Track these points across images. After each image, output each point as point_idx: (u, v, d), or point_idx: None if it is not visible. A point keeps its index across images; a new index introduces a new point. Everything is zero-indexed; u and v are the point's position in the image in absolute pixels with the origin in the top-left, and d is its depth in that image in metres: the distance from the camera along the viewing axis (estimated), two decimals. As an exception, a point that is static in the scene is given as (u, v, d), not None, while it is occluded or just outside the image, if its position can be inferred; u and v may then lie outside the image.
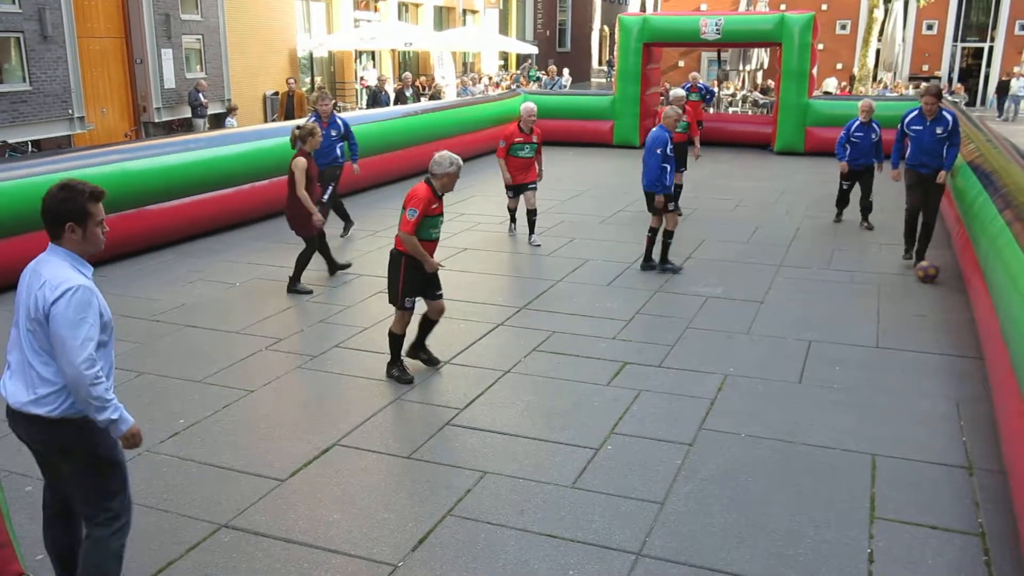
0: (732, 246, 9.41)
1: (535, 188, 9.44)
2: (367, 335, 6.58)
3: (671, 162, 8.25)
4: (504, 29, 34.51)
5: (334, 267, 8.22)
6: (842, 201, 10.44)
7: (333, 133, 9.22)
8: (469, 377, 5.80)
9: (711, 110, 18.94)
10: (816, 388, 5.60)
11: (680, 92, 11.81)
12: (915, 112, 8.16)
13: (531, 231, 9.46)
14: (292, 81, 18.46)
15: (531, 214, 9.43)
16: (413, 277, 5.65)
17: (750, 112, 22.77)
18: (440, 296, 5.86)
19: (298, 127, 7.63)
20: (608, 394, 5.49)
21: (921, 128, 8.05)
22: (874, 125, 9.75)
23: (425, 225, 5.58)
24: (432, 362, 5.96)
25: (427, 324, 5.93)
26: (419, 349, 5.96)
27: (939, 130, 7.95)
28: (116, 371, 5.74)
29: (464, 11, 31.60)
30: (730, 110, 23.04)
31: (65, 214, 2.96)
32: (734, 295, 7.62)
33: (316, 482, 4.41)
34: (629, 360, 6.06)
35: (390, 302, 5.80)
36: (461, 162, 5.79)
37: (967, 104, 24.16)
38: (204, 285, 7.96)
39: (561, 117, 17.12)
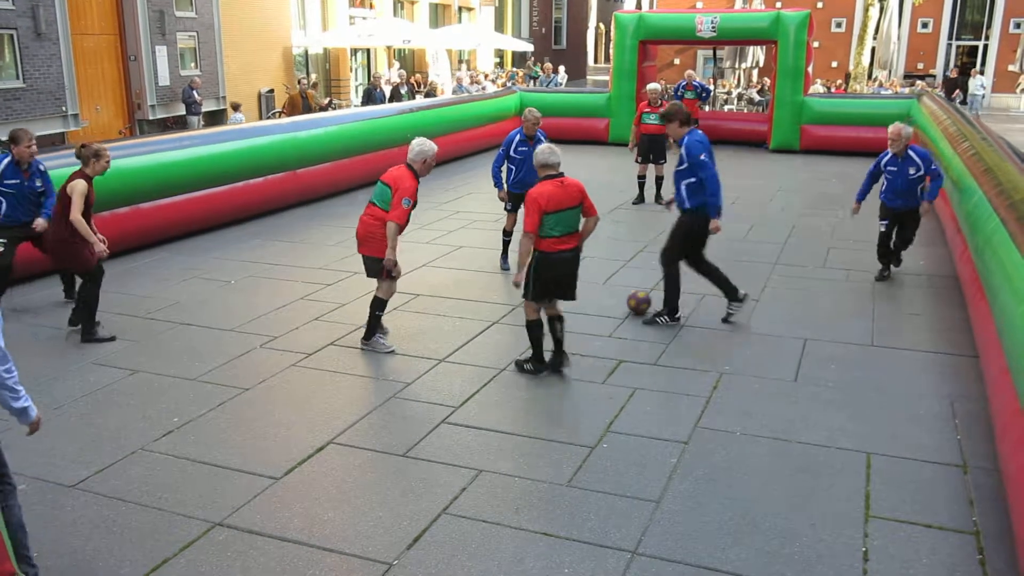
0: (727, 244, 9.41)
1: None
2: (361, 333, 6.56)
3: (513, 163, 8.18)
4: (500, 26, 34.48)
5: (79, 318, 6.47)
6: (885, 249, 8.06)
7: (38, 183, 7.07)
8: (464, 375, 5.79)
9: (707, 108, 18.93)
10: (811, 386, 5.60)
11: (656, 86, 11.90)
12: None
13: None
14: (304, 81, 18.33)
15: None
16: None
17: (745, 110, 22.79)
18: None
19: (83, 145, 6.54)
20: (603, 392, 5.49)
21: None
22: (912, 156, 7.74)
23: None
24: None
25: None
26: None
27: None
28: (110, 369, 5.78)
29: (460, 8, 31.56)
30: (726, 108, 23.05)
31: None
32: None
33: (311, 480, 4.40)
34: (624, 358, 6.06)
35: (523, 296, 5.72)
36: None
37: (961, 102, 24.18)
38: (198, 283, 7.94)
39: (556, 115, 17.11)
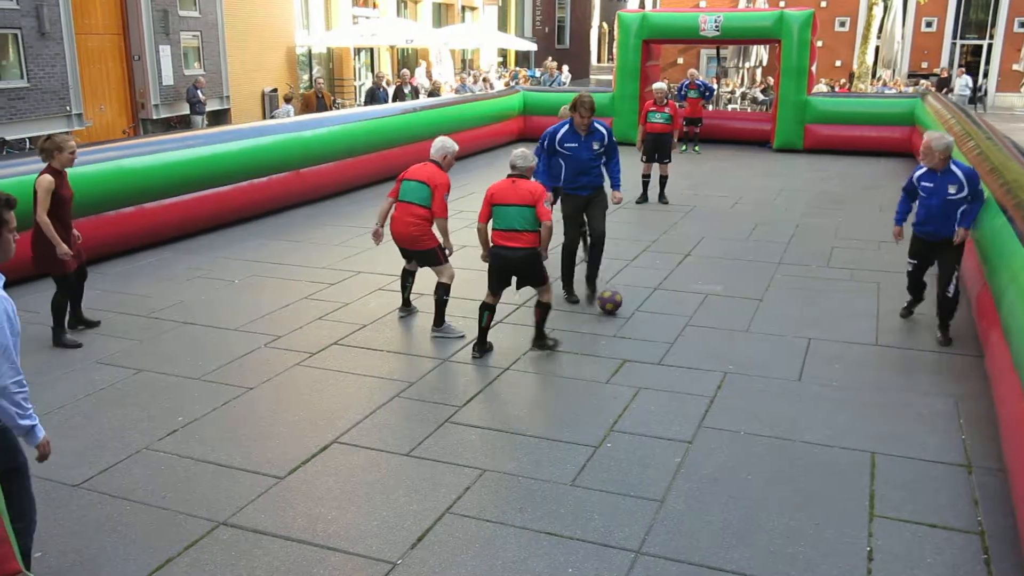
0: (731, 243, 9.41)
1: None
2: (365, 332, 6.57)
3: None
4: (503, 26, 34.47)
5: (79, 320, 6.52)
6: (915, 288, 6.85)
7: None
8: (469, 374, 5.79)
9: (710, 107, 18.92)
10: (815, 386, 5.59)
11: (662, 85, 11.89)
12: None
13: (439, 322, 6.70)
14: (321, 81, 18.29)
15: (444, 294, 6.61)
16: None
17: (749, 109, 22.76)
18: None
19: (46, 138, 6.13)
20: (607, 392, 5.49)
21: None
22: (955, 171, 6.28)
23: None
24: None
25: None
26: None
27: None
28: (114, 368, 5.79)
29: (463, 8, 31.56)
30: (729, 107, 23.02)
31: None
32: (733, 293, 7.61)
33: (315, 480, 4.40)
34: (628, 358, 6.05)
35: (538, 285, 6.11)
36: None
37: (970, 102, 24.14)
38: (202, 282, 7.95)
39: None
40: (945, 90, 24.73)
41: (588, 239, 7.56)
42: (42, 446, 3.19)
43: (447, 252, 6.48)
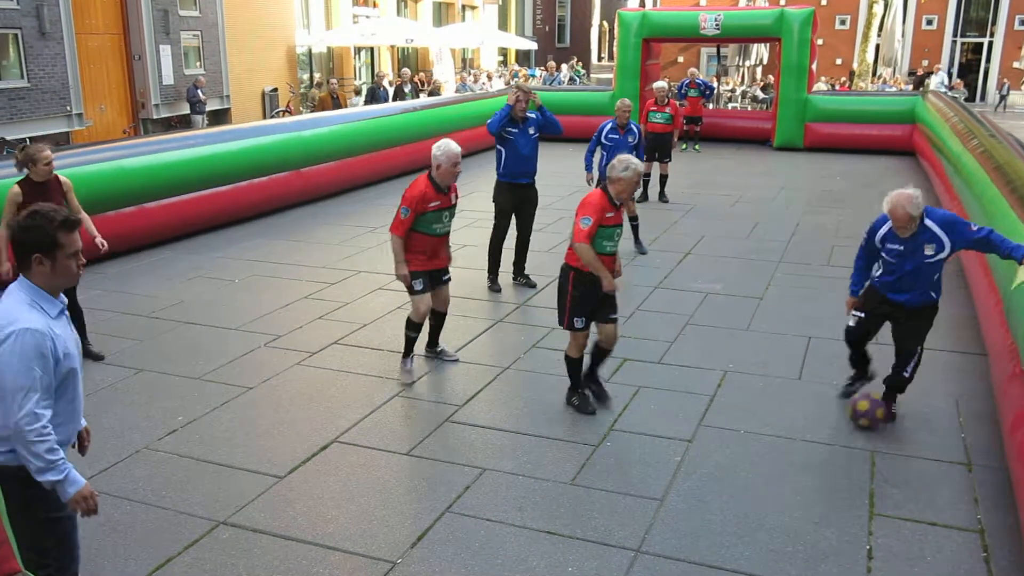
0: (731, 242, 9.40)
1: (449, 279, 5.81)
2: (366, 332, 6.57)
3: (605, 149, 8.81)
4: (503, 25, 34.45)
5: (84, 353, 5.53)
6: (859, 359, 5.31)
7: None
8: (469, 373, 5.79)
9: (711, 106, 18.91)
10: (816, 384, 5.59)
11: (663, 84, 11.94)
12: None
13: (433, 342, 6.00)
14: (334, 81, 18.28)
15: (442, 320, 5.88)
16: (583, 295, 4.99)
17: (749, 108, 22.75)
18: (614, 320, 5.13)
19: (21, 148, 5.84)
20: (608, 390, 5.48)
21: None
22: (931, 226, 4.70)
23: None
24: (602, 397, 5.26)
25: (599, 353, 5.26)
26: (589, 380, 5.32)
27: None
28: (115, 368, 5.79)
29: (463, 7, 31.55)
30: (729, 106, 23.01)
31: (32, 244, 2.65)
32: (734, 291, 7.61)
33: (315, 479, 4.40)
34: (628, 356, 6.05)
35: (558, 323, 5.20)
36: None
37: (966, 99, 24.11)
38: (203, 282, 7.95)
39: (560, 112, 17.06)
40: (921, 88, 24.65)
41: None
42: (76, 503, 2.70)
43: (405, 284, 5.47)
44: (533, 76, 26.85)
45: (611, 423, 5.02)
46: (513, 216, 7.73)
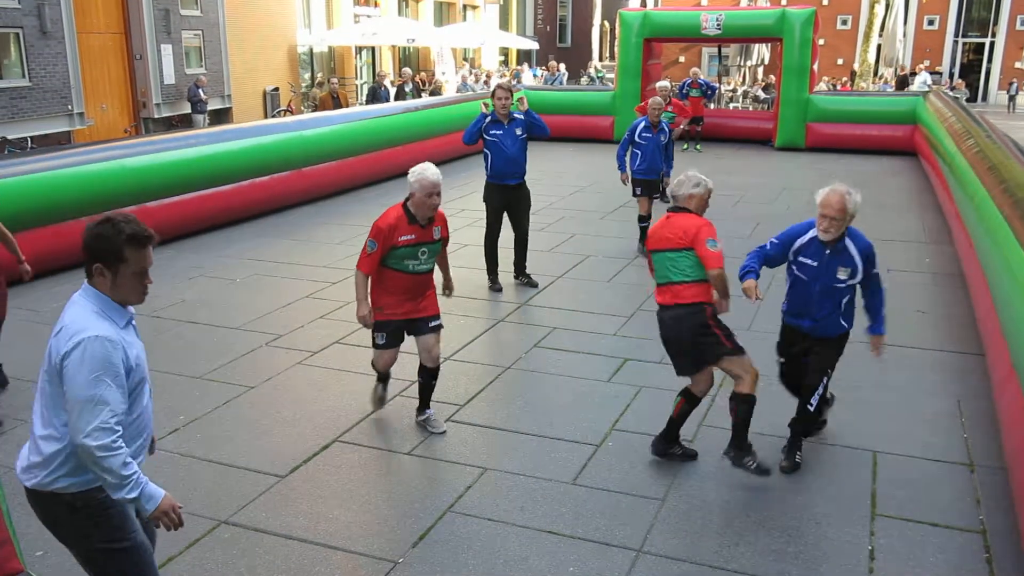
0: (733, 242, 9.38)
1: (439, 327, 4.97)
2: (367, 331, 6.54)
3: (639, 148, 8.81)
4: (504, 25, 34.45)
5: None
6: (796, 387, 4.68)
7: None
8: (470, 373, 5.79)
9: (712, 106, 18.90)
10: (817, 384, 5.57)
11: (665, 84, 11.95)
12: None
13: (422, 404, 5.02)
14: (335, 81, 18.28)
15: (430, 378, 4.97)
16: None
17: (751, 108, 22.74)
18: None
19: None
20: (609, 390, 5.49)
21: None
22: (850, 249, 4.39)
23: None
24: None
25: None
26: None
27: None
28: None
29: (464, 7, 31.55)
30: (731, 106, 23.00)
31: (95, 252, 2.50)
32: (735, 291, 7.58)
33: (316, 478, 4.40)
34: (630, 356, 6.05)
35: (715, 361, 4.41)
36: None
37: (968, 100, 24.10)
38: (204, 281, 7.95)
39: (561, 113, 17.11)
40: (905, 88, 24.57)
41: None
42: (157, 519, 2.49)
43: (368, 323, 4.80)
44: (535, 75, 26.85)
45: (612, 423, 5.02)
46: (507, 216, 7.70)
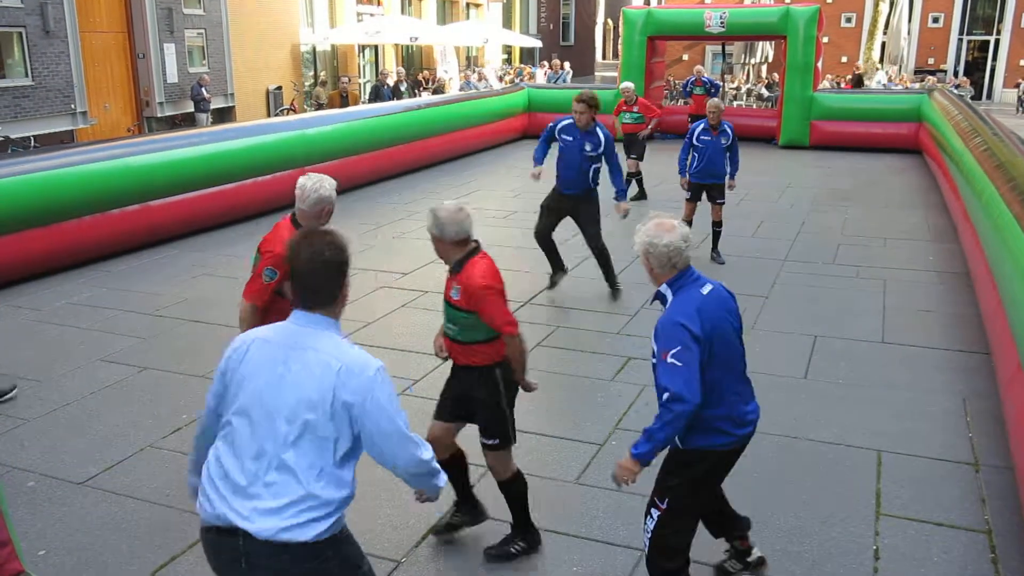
0: (736, 240, 9.37)
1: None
2: (369, 330, 6.55)
3: (697, 151, 8.44)
4: (507, 23, 34.42)
5: None
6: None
7: None
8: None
9: (716, 104, 18.84)
10: (821, 383, 5.56)
11: (629, 85, 11.99)
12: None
13: None
14: (347, 80, 18.22)
15: None
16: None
17: (755, 106, 22.69)
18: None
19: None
20: (612, 389, 5.47)
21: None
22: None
23: None
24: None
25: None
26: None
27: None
28: (119, 366, 5.78)
29: (467, 5, 31.53)
30: (735, 104, 22.95)
31: (346, 269, 2.36)
32: (738, 290, 7.51)
33: (319, 478, 4.38)
34: (634, 355, 6.03)
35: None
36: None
37: (973, 98, 24.04)
38: (207, 280, 7.95)
39: (565, 111, 17.05)
40: (862, 87, 24.33)
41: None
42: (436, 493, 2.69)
43: None
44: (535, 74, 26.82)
45: (616, 422, 5.00)
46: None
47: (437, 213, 3.47)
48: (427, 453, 2.43)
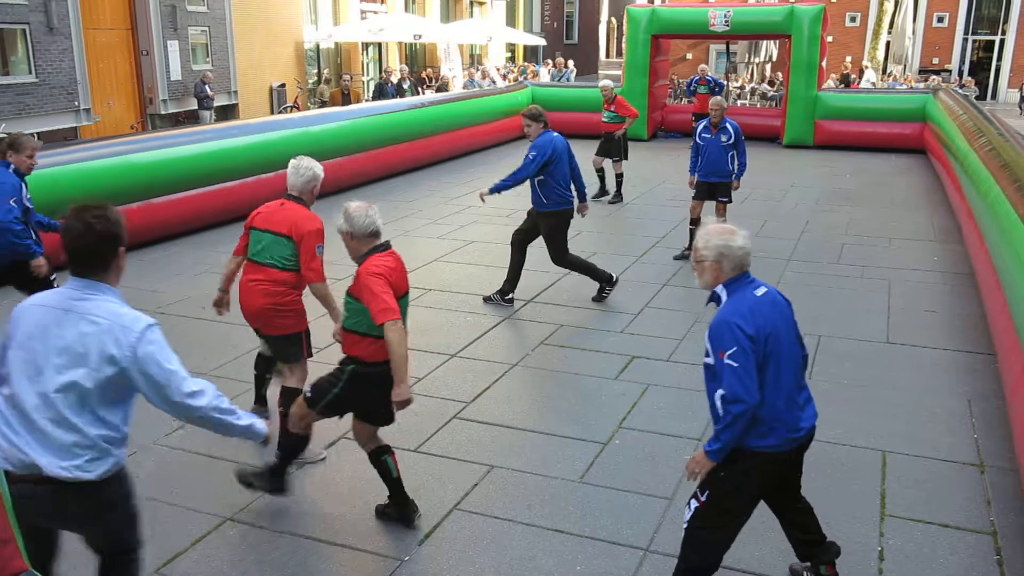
0: (740, 240, 9.35)
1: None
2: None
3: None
4: (511, 21, 34.40)
5: None
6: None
7: None
8: (476, 371, 5.76)
9: (719, 103, 18.82)
10: (826, 384, 5.54)
11: (607, 83, 11.97)
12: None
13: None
14: (349, 77, 18.22)
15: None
16: None
17: (759, 105, 22.65)
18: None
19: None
20: (616, 388, 5.46)
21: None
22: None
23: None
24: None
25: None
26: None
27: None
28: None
29: (471, 3, 31.50)
30: (739, 103, 22.90)
31: (122, 237, 2.76)
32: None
33: (322, 475, 4.39)
34: (637, 354, 6.02)
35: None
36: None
37: (977, 97, 23.94)
38: (210, 277, 7.93)
39: (567, 109, 17.04)
40: (849, 86, 24.17)
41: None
42: (268, 438, 3.07)
43: (310, 345, 4.70)
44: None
45: (620, 421, 4.99)
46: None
47: (348, 210, 3.82)
48: (201, 400, 2.74)
